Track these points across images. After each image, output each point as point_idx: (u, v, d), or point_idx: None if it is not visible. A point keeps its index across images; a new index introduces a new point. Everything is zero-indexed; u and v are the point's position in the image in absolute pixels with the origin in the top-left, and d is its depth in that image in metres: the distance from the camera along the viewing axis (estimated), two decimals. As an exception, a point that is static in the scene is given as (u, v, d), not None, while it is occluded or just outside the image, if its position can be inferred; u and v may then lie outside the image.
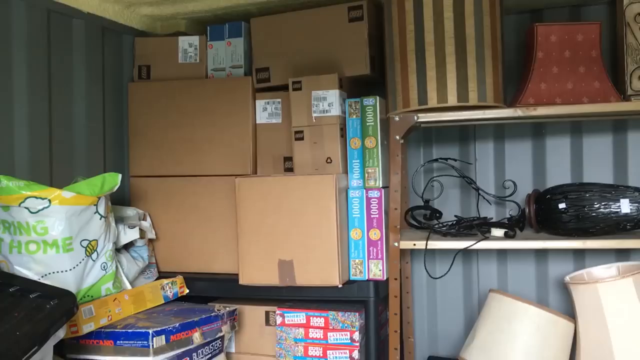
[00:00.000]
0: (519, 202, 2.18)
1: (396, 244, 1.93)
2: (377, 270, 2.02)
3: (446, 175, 2.29)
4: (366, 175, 2.04)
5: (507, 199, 2.21)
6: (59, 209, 1.71)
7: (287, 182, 2.01)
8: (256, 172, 2.22)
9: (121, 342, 1.75)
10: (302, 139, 2.08)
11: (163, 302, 2.05)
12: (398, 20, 1.85)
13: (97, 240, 1.84)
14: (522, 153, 2.32)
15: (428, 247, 1.91)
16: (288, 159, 2.18)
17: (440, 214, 2.15)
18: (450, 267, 2.11)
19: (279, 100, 2.19)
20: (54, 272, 1.75)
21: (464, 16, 1.76)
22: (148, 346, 1.72)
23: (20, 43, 1.88)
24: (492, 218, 2.27)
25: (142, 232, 2.15)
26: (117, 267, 1.95)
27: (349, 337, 2.00)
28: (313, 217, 1.97)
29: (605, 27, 2.12)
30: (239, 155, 2.21)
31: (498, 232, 1.97)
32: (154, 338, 1.73)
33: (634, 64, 1.88)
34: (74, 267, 1.78)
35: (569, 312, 2.00)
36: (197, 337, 1.86)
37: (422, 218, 2.17)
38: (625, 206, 1.83)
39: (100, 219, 1.84)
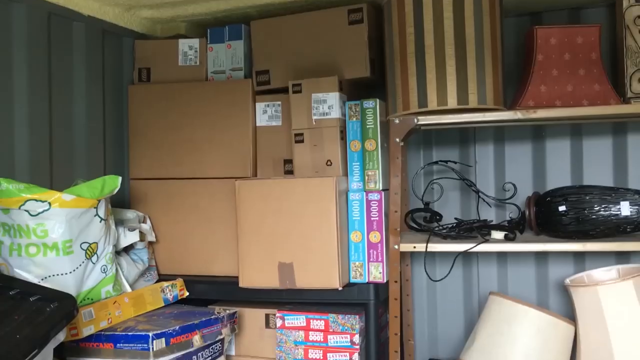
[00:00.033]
0: (519, 204, 2.18)
1: (396, 246, 1.93)
2: (377, 272, 2.02)
3: (446, 177, 2.29)
4: (366, 177, 2.04)
5: (507, 201, 2.21)
6: (59, 211, 1.71)
7: (287, 184, 2.01)
8: (256, 175, 2.22)
9: (121, 345, 1.75)
10: (302, 141, 2.08)
11: (163, 304, 2.04)
12: (398, 22, 1.85)
13: (97, 242, 1.84)
14: (522, 155, 2.32)
15: (428, 249, 1.91)
16: (288, 161, 2.18)
17: (441, 216, 2.15)
18: (451, 269, 2.10)
19: (279, 102, 2.19)
20: (54, 275, 1.75)
21: (464, 18, 1.77)
22: (148, 349, 1.72)
23: (21, 46, 1.88)
24: (492, 221, 2.27)
25: (142, 235, 2.15)
26: (117, 269, 1.95)
27: (349, 339, 2.00)
28: (313, 220, 1.97)
29: (605, 29, 2.12)
30: (239, 157, 2.21)
31: (498, 234, 1.97)
32: (154, 341, 1.73)
33: (633, 67, 1.88)
34: (74, 270, 1.78)
35: (569, 314, 2.00)
36: (197, 339, 1.86)
37: (422, 220, 2.17)
38: (625, 209, 1.83)
39: (101, 221, 1.84)
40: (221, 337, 1.97)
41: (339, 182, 1.98)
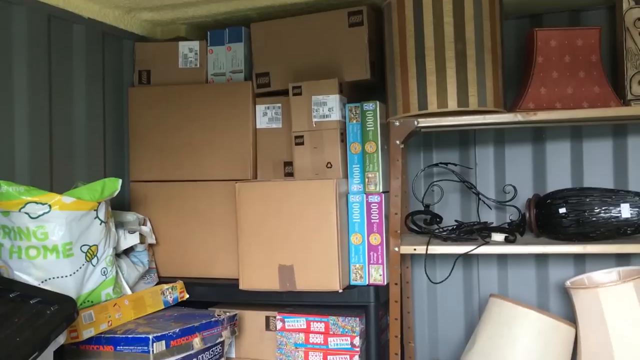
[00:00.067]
0: (519, 206, 2.18)
1: (396, 248, 1.93)
2: (377, 275, 2.02)
3: (446, 180, 2.29)
4: (366, 180, 2.04)
5: (507, 203, 2.21)
6: (59, 214, 1.71)
7: (287, 187, 2.01)
8: (256, 177, 2.22)
9: (121, 347, 1.74)
10: (302, 143, 2.08)
11: (163, 307, 2.04)
12: (398, 24, 1.85)
13: (97, 245, 1.84)
14: (523, 158, 2.32)
15: (428, 252, 1.90)
16: (288, 163, 2.18)
17: (441, 218, 2.15)
18: (451, 272, 2.11)
19: (279, 105, 2.19)
20: (54, 278, 1.74)
21: (464, 21, 1.77)
22: (148, 352, 1.72)
23: (21, 48, 1.88)
24: (492, 223, 2.27)
25: (142, 237, 2.15)
26: (117, 272, 1.94)
27: (349, 342, 2.00)
28: (313, 222, 1.97)
29: (605, 32, 2.12)
30: (239, 160, 2.21)
31: (498, 236, 1.97)
32: (154, 343, 1.73)
33: (633, 69, 1.88)
34: (74, 273, 1.78)
35: (570, 317, 2.00)
36: (197, 342, 1.86)
37: (423, 223, 2.17)
38: (625, 211, 1.83)
39: (101, 224, 1.84)
40: (221, 339, 1.97)
41: (339, 185, 1.98)
